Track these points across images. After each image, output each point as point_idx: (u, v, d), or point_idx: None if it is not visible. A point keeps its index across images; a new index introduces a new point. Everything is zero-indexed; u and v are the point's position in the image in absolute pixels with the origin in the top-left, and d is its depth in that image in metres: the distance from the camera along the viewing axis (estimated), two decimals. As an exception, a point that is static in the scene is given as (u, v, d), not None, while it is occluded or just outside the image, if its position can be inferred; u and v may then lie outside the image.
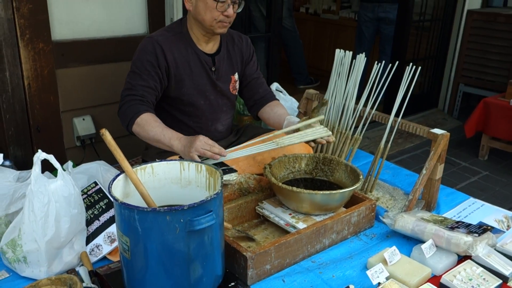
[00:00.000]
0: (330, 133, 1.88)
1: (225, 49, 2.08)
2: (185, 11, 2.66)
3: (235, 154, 1.78)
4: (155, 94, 1.94)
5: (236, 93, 2.17)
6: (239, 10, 1.94)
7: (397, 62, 2.17)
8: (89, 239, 1.63)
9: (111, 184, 1.31)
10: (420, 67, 2.12)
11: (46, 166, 1.62)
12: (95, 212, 1.70)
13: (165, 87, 1.98)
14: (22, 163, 2.29)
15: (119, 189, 1.36)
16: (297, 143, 1.86)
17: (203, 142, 1.67)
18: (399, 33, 4.41)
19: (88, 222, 1.66)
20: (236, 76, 2.13)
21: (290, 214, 1.78)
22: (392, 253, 1.59)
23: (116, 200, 1.23)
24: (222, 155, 1.70)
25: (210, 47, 2.03)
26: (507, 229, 1.93)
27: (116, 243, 1.61)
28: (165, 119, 1.90)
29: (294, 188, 1.68)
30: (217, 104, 2.10)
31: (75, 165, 1.94)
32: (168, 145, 1.76)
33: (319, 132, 1.87)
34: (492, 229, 1.73)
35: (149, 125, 1.80)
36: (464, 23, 4.75)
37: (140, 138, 1.87)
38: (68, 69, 2.37)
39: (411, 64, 2.08)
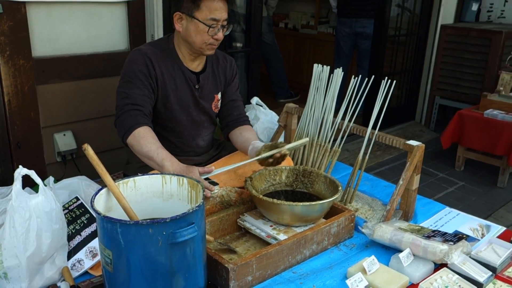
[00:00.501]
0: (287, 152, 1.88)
1: (210, 68, 2.11)
2: (165, 28, 2.71)
3: (218, 170, 1.81)
4: (151, 103, 1.93)
5: (217, 111, 2.20)
6: (228, 33, 1.97)
7: (373, 76, 2.24)
8: (71, 254, 1.63)
9: (93, 198, 1.33)
10: (395, 81, 2.18)
11: (27, 182, 1.62)
12: (76, 227, 1.71)
13: (155, 98, 1.99)
14: (2, 180, 2.27)
15: (102, 203, 1.38)
16: (254, 160, 1.87)
17: (197, 176, 1.70)
18: (375, 47, 4.51)
19: (70, 237, 1.66)
20: (219, 95, 2.15)
21: (271, 226, 1.81)
22: (371, 262, 1.63)
23: (99, 213, 1.24)
24: (209, 172, 1.75)
25: (195, 65, 2.06)
26: (481, 237, 1.98)
27: (97, 258, 1.61)
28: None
29: (275, 200, 1.71)
30: (199, 120, 2.12)
31: (56, 180, 1.94)
32: (160, 164, 1.75)
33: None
34: (467, 238, 1.78)
35: (145, 140, 1.79)
36: (438, 38, 4.88)
37: (133, 151, 1.85)
38: (49, 85, 2.37)
39: (386, 77, 2.14)
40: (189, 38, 1.92)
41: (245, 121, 2.20)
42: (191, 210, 1.26)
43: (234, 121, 2.17)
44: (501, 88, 4.12)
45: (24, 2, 2.19)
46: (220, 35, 1.92)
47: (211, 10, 1.86)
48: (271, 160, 1.85)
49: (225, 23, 1.92)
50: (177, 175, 1.52)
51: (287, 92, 5.51)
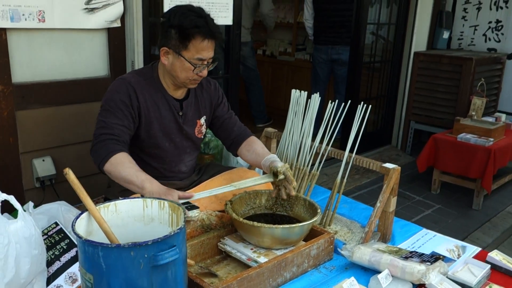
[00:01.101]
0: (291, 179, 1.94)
1: (193, 95, 2.14)
2: (146, 55, 2.74)
3: (198, 195, 1.83)
4: (129, 133, 1.94)
5: (202, 136, 2.22)
6: (212, 68, 2.00)
7: (349, 101, 2.30)
8: (50, 280, 1.61)
9: (75, 222, 1.33)
10: (370, 106, 2.24)
11: (6, 208, 1.61)
12: (55, 252, 1.69)
13: (136, 128, 2.00)
14: (-21, 206, 2.24)
15: (82, 227, 1.38)
16: (251, 185, 1.95)
17: (176, 200, 1.70)
18: (351, 73, 4.63)
19: (49, 263, 1.65)
20: (202, 120, 2.18)
21: (251, 249, 1.82)
22: (350, 283, 1.64)
23: (80, 237, 1.24)
24: (189, 198, 1.77)
25: (179, 93, 2.09)
26: (457, 258, 2.02)
27: (77, 283, 1.60)
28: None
29: (255, 223, 1.73)
30: (181, 146, 2.14)
31: (35, 206, 1.92)
32: (140, 186, 1.75)
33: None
34: (444, 258, 1.81)
35: (122, 165, 1.79)
36: (412, 64, 5.03)
37: (111, 178, 1.85)
38: (28, 110, 2.37)
39: (362, 102, 2.21)
40: (174, 73, 1.96)
41: (248, 133, 2.24)
42: (172, 233, 1.27)
43: (238, 137, 2.21)
44: (473, 113, 4.25)
45: (5, 29, 2.20)
46: (205, 72, 1.96)
47: (198, 50, 1.89)
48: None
49: (210, 60, 1.96)
50: (158, 198, 1.53)
51: (265, 117, 5.57)
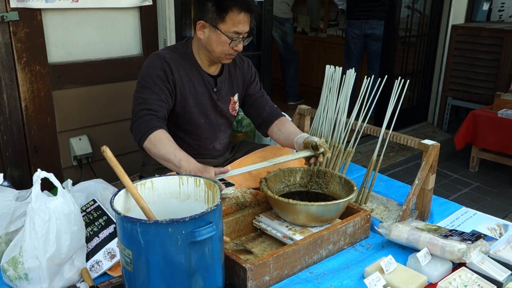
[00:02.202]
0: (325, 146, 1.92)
1: (227, 72, 2.13)
2: (178, 33, 2.73)
3: (233, 172, 1.83)
4: (167, 108, 1.96)
5: (235, 114, 2.22)
6: (247, 43, 2.00)
7: (386, 77, 2.23)
8: (89, 255, 1.64)
9: (113, 199, 1.34)
10: (408, 81, 2.18)
11: (45, 186, 1.64)
12: (94, 229, 1.72)
13: (173, 102, 2.01)
14: (20, 184, 2.31)
15: (120, 204, 1.39)
16: (288, 160, 1.92)
17: (213, 176, 1.72)
18: (386, 49, 4.51)
19: (88, 239, 1.68)
20: (235, 97, 2.18)
21: (287, 226, 1.81)
22: (388, 262, 1.62)
23: (119, 213, 1.26)
24: (225, 173, 1.78)
25: (213, 70, 2.08)
26: (499, 237, 1.96)
27: (115, 259, 1.62)
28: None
29: (291, 200, 1.71)
30: (216, 123, 2.14)
31: (73, 184, 1.96)
32: (177, 165, 1.77)
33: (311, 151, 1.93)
34: (485, 237, 1.77)
35: (161, 143, 1.81)
36: (449, 38, 4.87)
37: (150, 154, 1.87)
38: (64, 90, 2.41)
39: (399, 78, 2.14)
40: (210, 47, 1.95)
41: (279, 113, 2.22)
42: (209, 210, 1.27)
43: (268, 116, 2.20)
44: (515, 88, 4.09)
45: (40, 9, 2.22)
46: (240, 47, 1.96)
47: (235, 23, 1.90)
48: (312, 160, 1.93)
49: (245, 35, 1.95)
50: (194, 175, 1.53)
51: (297, 94, 5.54)
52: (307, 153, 1.94)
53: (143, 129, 1.85)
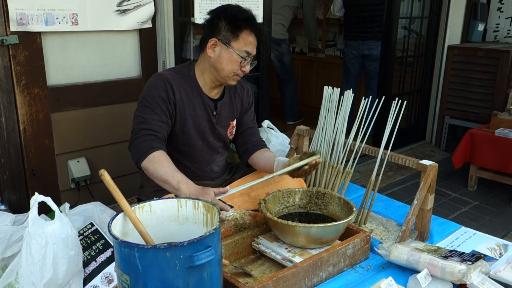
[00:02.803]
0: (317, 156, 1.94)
1: (227, 96, 2.15)
2: (177, 55, 2.75)
3: (233, 190, 1.83)
4: (167, 129, 1.97)
5: (232, 138, 2.23)
6: (252, 67, 2.05)
7: (383, 97, 2.25)
8: (86, 280, 1.63)
9: (111, 223, 1.33)
10: (405, 101, 2.19)
11: (42, 209, 1.63)
12: (91, 253, 1.71)
13: (172, 123, 2.02)
14: (17, 207, 2.29)
15: (118, 228, 1.38)
16: (289, 170, 1.91)
17: (213, 197, 1.73)
18: (383, 69, 4.54)
19: (85, 264, 1.66)
20: (234, 122, 2.20)
21: (286, 248, 1.80)
22: (388, 283, 1.60)
23: (116, 238, 1.25)
24: (224, 193, 1.79)
25: (214, 93, 2.10)
26: (499, 257, 1.95)
27: (113, 284, 1.61)
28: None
29: (290, 222, 1.71)
30: (214, 146, 2.14)
31: (70, 207, 1.95)
32: (175, 187, 1.77)
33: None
34: (485, 257, 1.75)
35: (160, 164, 1.81)
36: (446, 58, 4.91)
37: (147, 175, 1.87)
38: (63, 112, 2.41)
39: (397, 98, 2.15)
40: (220, 65, 1.97)
41: (263, 145, 2.24)
42: (208, 233, 1.26)
43: (253, 147, 2.22)
44: (511, 107, 4.11)
45: (40, 33, 2.24)
46: (248, 68, 2.01)
47: (247, 43, 1.96)
48: (306, 167, 1.90)
49: (253, 58, 2.01)
50: (192, 198, 1.53)
51: (296, 114, 5.56)
52: (304, 161, 1.92)
53: (142, 149, 1.85)
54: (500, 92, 4.53)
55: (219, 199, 1.82)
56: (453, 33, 4.97)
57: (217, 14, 1.98)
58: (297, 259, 1.71)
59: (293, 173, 1.94)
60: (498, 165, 3.85)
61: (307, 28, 5.49)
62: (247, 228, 1.91)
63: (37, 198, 1.52)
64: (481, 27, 5.16)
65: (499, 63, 4.52)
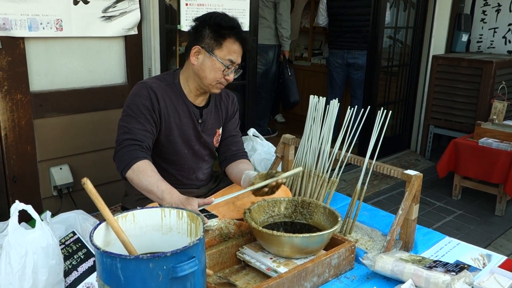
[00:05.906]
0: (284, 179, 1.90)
1: (213, 104, 2.14)
2: (162, 62, 2.74)
3: (217, 200, 1.81)
4: (152, 138, 1.95)
5: (217, 145, 2.21)
6: (236, 76, 2.03)
7: (369, 107, 2.26)
8: (68, 290, 1.60)
9: (93, 233, 1.31)
10: (391, 111, 2.20)
11: (23, 217, 1.60)
12: (73, 262, 1.68)
13: (157, 132, 1.99)
14: (-3, 215, 2.25)
15: (100, 238, 1.36)
16: (248, 190, 1.87)
17: (195, 208, 1.70)
18: (369, 78, 4.57)
19: (66, 273, 1.63)
20: (220, 130, 2.19)
21: (271, 258, 1.78)
22: (373, 294, 1.60)
23: (98, 248, 1.23)
24: (208, 204, 1.75)
25: (199, 101, 2.09)
26: (483, 267, 1.96)
27: (95, 294, 1.58)
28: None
29: (275, 232, 1.69)
30: (200, 154, 2.13)
31: (52, 215, 1.91)
32: (160, 197, 1.75)
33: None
34: (468, 268, 1.76)
35: (144, 174, 1.79)
36: (430, 68, 4.96)
37: (132, 185, 1.85)
38: (46, 119, 2.37)
39: (382, 108, 2.16)
40: (202, 73, 1.96)
41: (243, 155, 2.22)
42: (191, 244, 1.25)
43: (232, 156, 2.19)
44: (495, 117, 4.16)
45: (23, 38, 2.21)
46: (232, 77, 1.99)
47: (230, 51, 1.94)
48: (266, 189, 1.86)
49: (237, 67, 1.99)
50: (177, 208, 1.51)
51: (264, 129, 5.20)
52: (294, 172, 1.94)
53: (126, 159, 1.83)
54: (484, 102, 4.59)
55: (203, 209, 1.80)
56: (437, 43, 5.03)
57: (201, 22, 1.96)
58: (282, 269, 1.69)
59: (255, 192, 1.89)
60: (482, 174, 3.89)
61: (279, 20, 5.12)
62: (232, 238, 1.89)
63: (17, 206, 1.50)
64: (465, 38, 5.23)
65: (483, 73, 4.58)
